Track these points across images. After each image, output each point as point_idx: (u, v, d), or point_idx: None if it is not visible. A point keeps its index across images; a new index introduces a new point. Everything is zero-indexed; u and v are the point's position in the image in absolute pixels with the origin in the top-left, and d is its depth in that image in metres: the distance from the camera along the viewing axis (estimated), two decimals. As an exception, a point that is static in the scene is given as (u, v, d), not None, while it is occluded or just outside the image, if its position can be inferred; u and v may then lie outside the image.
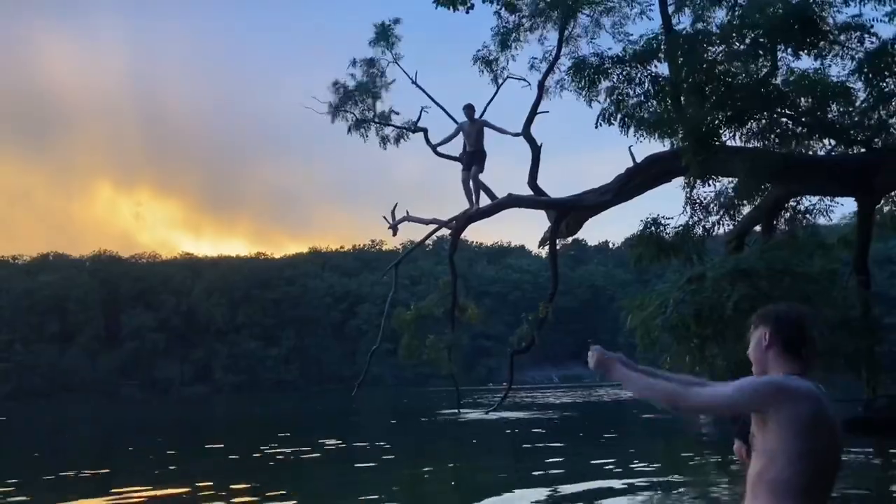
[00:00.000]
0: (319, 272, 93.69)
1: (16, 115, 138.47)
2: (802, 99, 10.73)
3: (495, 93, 16.17)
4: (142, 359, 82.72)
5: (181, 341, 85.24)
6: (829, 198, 13.04)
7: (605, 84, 11.04)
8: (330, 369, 77.48)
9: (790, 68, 11.58)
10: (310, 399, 41.32)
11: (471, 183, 14.53)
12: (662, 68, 10.89)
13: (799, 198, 13.06)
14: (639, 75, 10.74)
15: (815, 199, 13.12)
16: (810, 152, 12.05)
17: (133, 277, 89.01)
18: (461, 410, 16.75)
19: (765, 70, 11.46)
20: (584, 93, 11.25)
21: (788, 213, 13.22)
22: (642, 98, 10.73)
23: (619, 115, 10.69)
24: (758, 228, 13.30)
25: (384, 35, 17.26)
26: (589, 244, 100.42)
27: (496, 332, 77.46)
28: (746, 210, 12.21)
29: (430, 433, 11.50)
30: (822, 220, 13.54)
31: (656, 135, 11.25)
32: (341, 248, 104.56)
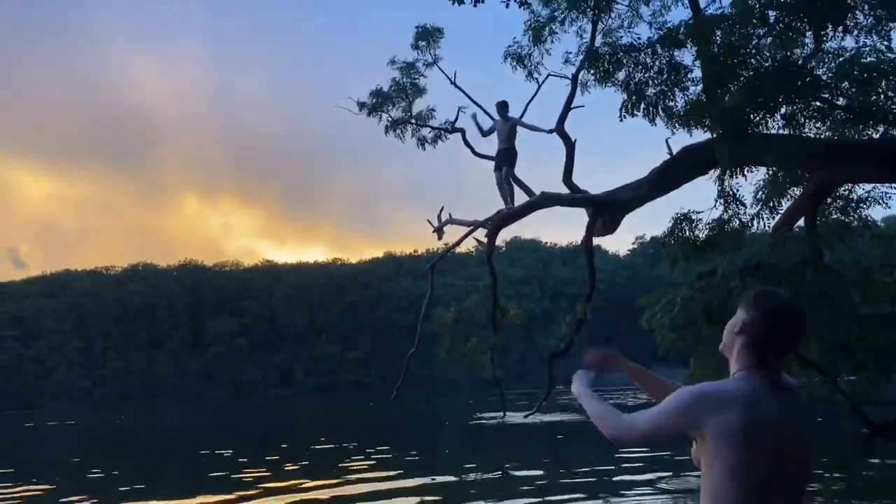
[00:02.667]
0: (394, 276, 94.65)
1: (108, 133, 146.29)
2: (841, 82, 9.99)
3: (536, 91, 15.81)
4: (227, 363, 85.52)
5: (264, 346, 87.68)
6: (887, 184, 12.14)
7: (622, 74, 10.59)
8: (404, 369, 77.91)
9: (835, 49, 10.84)
10: (385, 402, 41.76)
11: (505, 183, 14.25)
12: (685, 56, 10.38)
13: (851, 186, 12.21)
14: (658, 63, 10.26)
15: (868, 186, 12.26)
16: (857, 137, 11.24)
17: (217, 285, 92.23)
18: (507, 413, 16.48)
19: (804, 52, 10.81)
20: (601, 84, 10.87)
21: (840, 203, 12.38)
22: (664, 87, 10.23)
23: (641, 106, 10.23)
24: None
25: (424, 37, 17.18)
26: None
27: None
28: (789, 201, 11.49)
29: (474, 438, 11.40)
30: (879, 211, 12.64)
31: (688, 125, 10.75)
32: (414, 251, 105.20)
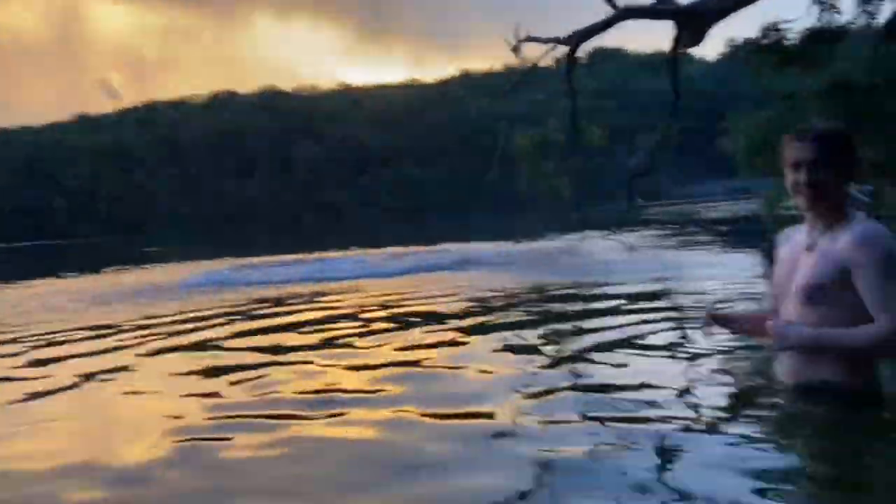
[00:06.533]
0: (472, 95, 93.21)
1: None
2: None
3: None
4: (313, 188, 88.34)
5: (348, 169, 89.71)
6: None
7: None
8: (484, 191, 79.06)
9: None
10: (456, 218, 42.91)
11: None
12: None
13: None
14: None
15: None
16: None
17: (299, 111, 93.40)
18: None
19: None
20: None
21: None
22: None
23: None
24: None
25: None
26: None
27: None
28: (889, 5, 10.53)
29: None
30: None
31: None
32: (491, 69, 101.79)
